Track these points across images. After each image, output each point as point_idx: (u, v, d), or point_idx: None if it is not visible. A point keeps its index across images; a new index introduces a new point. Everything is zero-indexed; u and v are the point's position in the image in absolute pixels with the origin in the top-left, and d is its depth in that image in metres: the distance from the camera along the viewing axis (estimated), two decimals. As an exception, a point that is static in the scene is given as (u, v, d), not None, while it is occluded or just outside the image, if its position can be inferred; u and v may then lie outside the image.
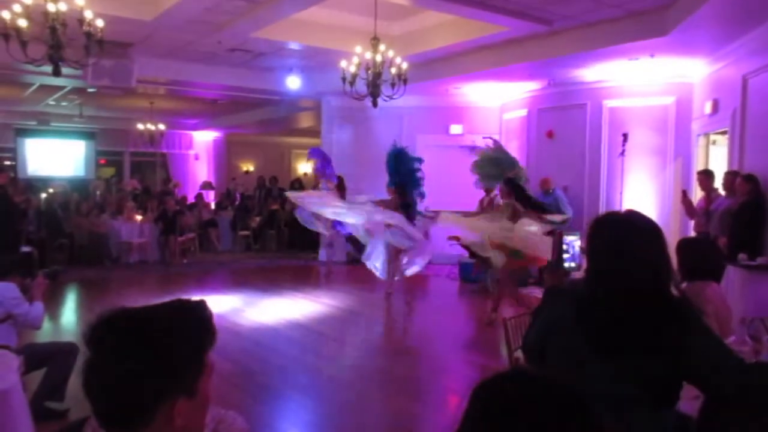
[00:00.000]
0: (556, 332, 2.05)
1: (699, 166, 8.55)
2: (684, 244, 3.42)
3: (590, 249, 2.06)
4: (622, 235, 2.00)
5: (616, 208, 8.73)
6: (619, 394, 1.86)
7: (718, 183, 7.48)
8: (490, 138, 8.93)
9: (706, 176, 7.64)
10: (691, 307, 1.99)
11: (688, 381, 1.93)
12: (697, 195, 8.25)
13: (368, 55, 7.13)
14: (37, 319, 4.15)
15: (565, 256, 2.76)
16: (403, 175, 8.68)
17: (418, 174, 8.78)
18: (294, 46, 9.48)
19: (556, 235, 2.39)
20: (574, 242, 2.19)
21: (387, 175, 8.80)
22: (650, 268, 1.94)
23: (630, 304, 1.92)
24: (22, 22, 5.39)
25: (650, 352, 1.87)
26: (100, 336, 1.14)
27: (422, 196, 8.86)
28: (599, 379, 1.86)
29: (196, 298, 1.24)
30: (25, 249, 6.61)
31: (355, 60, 7.22)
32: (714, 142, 8.77)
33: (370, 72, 7.16)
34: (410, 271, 8.37)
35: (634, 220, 2.05)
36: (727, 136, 7.88)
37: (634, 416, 1.85)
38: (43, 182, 15.19)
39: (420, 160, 8.86)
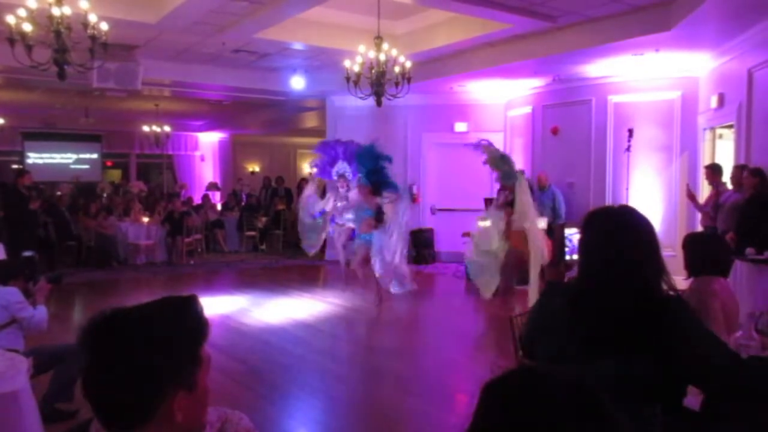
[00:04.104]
0: (546, 327, 2.04)
1: (705, 160, 8.50)
2: (690, 240, 3.41)
3: (582, 243, 2.05)
4: (614, 229, 1.97)
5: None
6: (604, 391, 1.83)
7: (726, 177, 7.44)
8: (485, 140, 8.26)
9: (713, 171, 7.58)
10: (682, 305, 1.94)
11: (683, 380, 1.89)
12: (704, 189, 8.20)
13: (372, 54, 7.14)
14: (41, 323, 4.17)
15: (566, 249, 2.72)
16: (378, 173, 8.35)
17: (386, 172, 8.41)
18: (298, 46, 9.49)
19: (558, 228, 2.36)
20: (573, 236, 2.15)
21: (358, 171, 8.40)
22: (641, 264, 1.91)
23: (619, 300, 1.88)
24: (27, 27, 5.41)
25: (637, 351, 1.83)
26: (97, 338, 1.15)
27: (397, 191, 8.35)
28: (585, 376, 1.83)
29: (185, 294, 1.25)
30: (27, 253, 6.64)
31: (359, 59, 7.23)
32: (720, 136, 8.72)
33: (373, 71, 7.16)
34: None
35: (627, 214, 2.02)
36: (733, 129, 7.84)
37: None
38: (50, 185, 15.27)
39: (390, 159, 8.50)
